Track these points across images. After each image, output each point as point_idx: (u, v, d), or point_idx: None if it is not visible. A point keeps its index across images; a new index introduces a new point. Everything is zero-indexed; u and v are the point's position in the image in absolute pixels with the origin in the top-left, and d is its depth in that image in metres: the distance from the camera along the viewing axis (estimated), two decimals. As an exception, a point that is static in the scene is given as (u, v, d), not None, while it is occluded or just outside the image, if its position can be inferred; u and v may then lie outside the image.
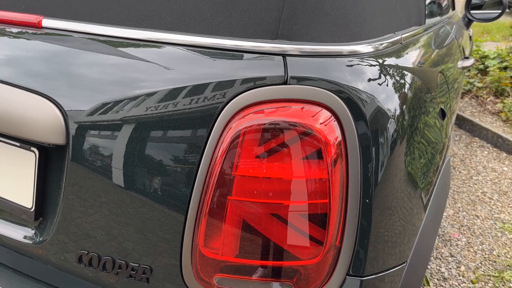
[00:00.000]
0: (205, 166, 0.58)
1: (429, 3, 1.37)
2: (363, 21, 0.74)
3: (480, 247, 2.02)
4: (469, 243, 2.05)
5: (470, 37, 2.64)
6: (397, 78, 0.75)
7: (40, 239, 0.71)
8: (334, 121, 0.58)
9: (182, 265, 0.62)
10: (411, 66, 0.83)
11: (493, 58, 3.96)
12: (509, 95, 3.52)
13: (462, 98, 3.89)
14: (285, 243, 0.59)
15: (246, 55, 0.60)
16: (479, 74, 3.91)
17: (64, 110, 0.64)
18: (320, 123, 0.57)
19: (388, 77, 0.72)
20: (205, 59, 0.61)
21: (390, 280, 0.68)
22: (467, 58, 1.65)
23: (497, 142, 3.15)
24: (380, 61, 0.71)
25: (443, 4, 1.88)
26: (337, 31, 0.68)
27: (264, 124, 0.57)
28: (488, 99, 3.64)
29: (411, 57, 0.85)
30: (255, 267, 0.60)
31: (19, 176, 0.71)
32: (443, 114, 0.97)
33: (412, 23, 1.03)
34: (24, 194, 0.71)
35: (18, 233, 0.73)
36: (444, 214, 2.27)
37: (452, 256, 1.94)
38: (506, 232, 2.14)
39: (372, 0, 0.77)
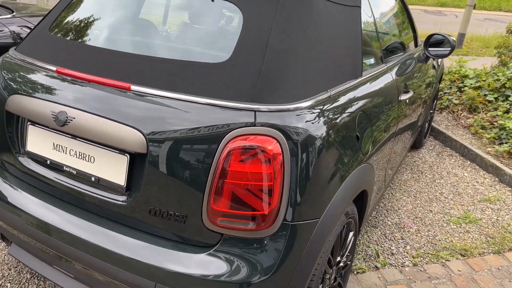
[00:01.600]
0: (214, 164, 1.21)
1: (369, 56, 1.98)
2: (304, 88, 1.36)
3: (427, 233, 2.61)
4: (418, 230, 2.64)
5: (434, 66, 3.22)
6: (322, 119, 1.37)
7: (128, 202, 1.35)
8: (277, 144, 1.21)
9: (202, 213, 1.25)
10: (335, 111, 1.45)
11: (472, 78, 4.52)
12: (480, 112, 4.08)
13: (440, 112, 4.46)
14: (252, 203, 1.22)
15: (238, 111, 1.23)
16: (458, 92, 4.47)
17: (145, 135, 1.27)
18: (270, 146, 1.20)
19: (316, 120, 1.34)
20: (218, 110, 1.23)
21: (308, 227, 1.30)
22: (407, 92, 2.25)
23: (463, 152, 3.73)
24: (313, 110, 1.34)
25: (396, 48, 2.49)
26: (287, 96, 1.30)
27: (244, 145, 1.20)
28: (462, 115, 4.21)
29: (336, 105, 1.48)
30: (238, 214, 1.23)
31: (118, 168, 1.36)
32: (358, 138, 1.58)
33: (347, 79, 1.65)
34: (120, 178, 1.36)
35: (115, 199, 1.38)
36: (404, 208, 2.86)
37: (402, 239, 2.54)
38: (451, 223, 2.73)
39: (310, 74, 1.40)
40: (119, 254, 1.33)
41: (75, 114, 1.37)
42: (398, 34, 2.65)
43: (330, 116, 1.43)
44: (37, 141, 1.53)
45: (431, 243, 2.51)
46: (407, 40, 2.81)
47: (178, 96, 1.29)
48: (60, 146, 1.47)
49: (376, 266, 2.27)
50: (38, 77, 1.53)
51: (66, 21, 1.72)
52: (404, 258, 2.36)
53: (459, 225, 2.71)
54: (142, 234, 1.36)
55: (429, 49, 2.81)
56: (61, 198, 1.51)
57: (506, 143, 3.54)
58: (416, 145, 3.74)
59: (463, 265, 2.33)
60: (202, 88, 1.29)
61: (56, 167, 1.50)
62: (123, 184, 1.36)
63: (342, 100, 1.54)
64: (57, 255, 1.49)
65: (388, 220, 2.71)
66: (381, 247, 2.45)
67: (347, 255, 1.81)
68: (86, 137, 1.37)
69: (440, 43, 2.85)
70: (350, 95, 1.60)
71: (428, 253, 2.42)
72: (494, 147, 3.60)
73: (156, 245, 1.33)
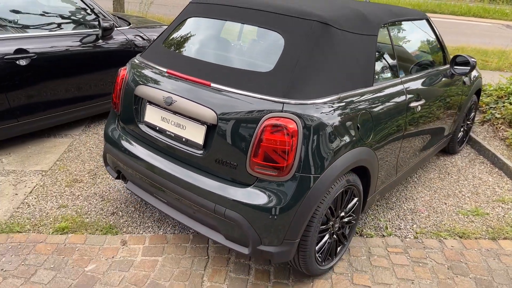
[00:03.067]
0: (255, 134, 2.00)
1: (384, 71, 2.65)
2: (320, 91, 2.11)
3: (435, 219, 3.17)
4: (428, 216, 3.21)
5: (465, 82, 3.71)
6: (330, 112, 2.11)
7: (203, 154, 2.20)
8: (295, 124, 1.97)
9: (246, 163, 2.05)
10: (341, 107, 2.17)
11: (518, 95, 4.83)
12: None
13: (482, 125, 4.84)
14: (276, 159, 1.99)
15: (274, 102, 2.01)
16: (502, 107, 4.81)
17: (217, 114, 2.10)
18: (290, 125, 1.97)
19: (325, 112, 2.09)
20: (262, 101, 2.02)
21: (311, 179, 2.04)
22: (418, 100, 2.86)
23: (493, 160, 4.14)
24: (323, 105, 2.08)
25: (416, 65, 3.10)
26: (306, 96, 2.06)
27: (274, 123, 1.98)
28: (501, 128, 4.58)
29: (343, 104, 2.19)
30: (267, 165, 2.01)
31: (199, 133, 2.20)
32: (358, 128, 2.27)
33: (357, 87, 2.35)
34: (200, 139, 2.20)
35: (196, 152, 2.23)
36: (422, 198, 3.43)
37: (412, 220, 3.13)
38: (460, 214, 3.25)
39: (325, 82, 2.14)
40: (195, 186, 2.18)
41: (176, 98, 2.24)
42: (420, 55, 3.24)
43: (336, 111, 2.15)
44: (151, 115, 2.44)
45: (436, 226, 3.08)
46: (432, 60, 3.39)
47: (239, 91, 2.11)
48: (166, 118, 2.36)
49: (383, 235, 2.91)
50: (155, 75, 2.44)
51: (172, 38, 2.63)
52: (408, 233, 2.97)
53: (466, 216, 3.22)
54: (210, 175, 2.20)
55: (455, 67, 3.36)
56: (163, 151, 2.41)
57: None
58: (449, 151, 4.22)
59: (458, 243, 2.88)
60: (254, 87, 2.10)
61: (161, 131, 2.39)
62: (201, 143, 2.20)
63: (349, 100, 2.25)
64: (158, 187, 2.38)
65: (404, 205, 3.31)
66: (392, 223, 3.07)
67: (351, 214, 2.50)
68: (182, 113, 2.24)
69: (465, 63, 3.37)
70: (356, 98, 2.30)
71: (430, 232, 2.99)
72: (521, 158, 3.97)
73: (218, 182, 2.16)
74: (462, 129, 4.23)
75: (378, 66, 2.65)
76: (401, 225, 3.06)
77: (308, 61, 2.13)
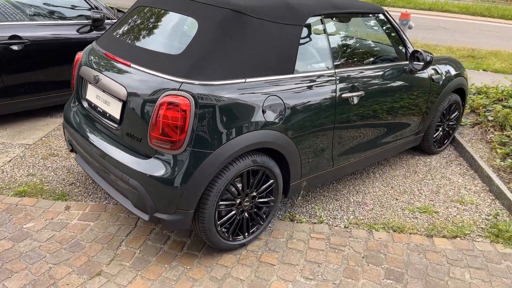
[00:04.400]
0: (154, 111, 2.19)
1: (311, 61, 2.72)
2: (222, 75, 2.26)
3: (377, 213, 3.16)
4: (372, 209, 3.21)
5: (434, 79, 3.64)
6: (229, 94, 2.25)
7: (118, 128, 2.42)
8: (188, 102, 2.13)
9: (147, 137, 2.25)
10: (245, 90, 2.30)
11: (516, 98, 4.60)
12: (505, 130, 4.23)
13: (472, 127, 4.66)
14: (171, 134, 2.17)
15: (174, 82, 2.19)
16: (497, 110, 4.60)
17: (127, 89, 2.32)
18: (183, 103, 2.13)
19: (223, 93, 2.23)
20: (164, 80, 2.21)
21: (203, 154, 2.18)
22: (354, 91, 2.87)
23: (471, 162, 3.99)
24: (222, 87, 2.22)
25: (360, 58, 3.11)
26: (207, 78, 2.22)
27: (170, 100, 2.15)
28: (490, 131, 4.39)
29: (248, 87, 2.32)
30: (163, 139, 2.19)
31: (117, 109, 2.43)
32: (264, 112, 2.38)
33: (272, 74, 2.46)
34: (117, 114, 2.43)
35: (114, 126, 2.46)
36: (374, 193, 3.42)
37: (353, 212, 3.15)
38: (406, 210, 3.22)
39: (230, 67, 2.28)
40: (111, 157, 2.41)
41: (102, 77, 2.49)
42: (370, 49, 3.25)
43: (238, 93, 2.28)
44: (90, 93, 2.71)
45: (374, 219, 3.08)
46: (387, 54, 3.38)
47: (149, 71, 2.31)
48: (98, 96, 2.62)
49: (314, 222, 2.97)
50: (96, 57, 2.70)
51: (120, 25, 2.89)
52: (342, 223, 3.00)
53: (412, 212, 3.18)
54: (123, 147, 2.42)
55: (414, 63, 3.32)
56: (95, 126, 2.67)
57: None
58: (426, 151, 4.13)
59: (387, 235, 2.88)
60: (163, 68, 2.29)
61: (95, 107, 2.65)
62: (118, 118, 2.43)
63: (256, 85, 2.37)
64: (91, 158, 2.64)
65: (352, 198, 3.33)
66: (330, 212, 3.11)
67: (267, 195, 2.61)
68: (105, 90, 2.48)
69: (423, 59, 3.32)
70: (266, 84, 2.41)
71: (365, 223, 3.00)
72: (496, 161, 3.81)
73: (128, 153, 2.37)
74: (441, 129, 4.12)
75: (306, 55, 2.73)
76: (338, 215, 3.09)
77: (215, 46, 2.28)
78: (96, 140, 2.58)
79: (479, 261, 2.67)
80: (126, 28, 2.85)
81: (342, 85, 2.82)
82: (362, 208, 3.21)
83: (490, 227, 3.03)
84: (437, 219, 3.13)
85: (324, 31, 2.82)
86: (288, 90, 2.52)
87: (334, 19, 2.97)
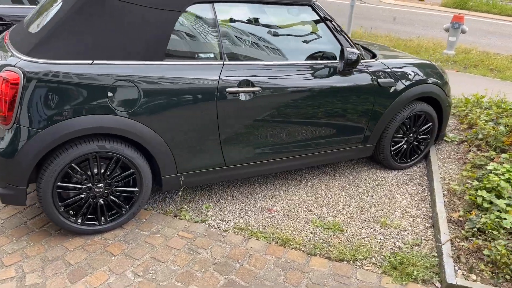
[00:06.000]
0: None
1: (192, 50, 2.57)
2: (65, 55, 2.25)
3: (278, 221, 2.88)
4: (274, 217, 2.94)
5: (379, 82, 3.20)
6: (68, 74, 2.23)
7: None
8: (19, 79, 2.16)
9: None
10: (89, 72, 2.26)
11: (519, 115, 3.88)
12: (489, 150, 3.58)
13: (459, 144, 4.02)
14: (2, 108, 2.22)
15: (15, 59, 2.24)
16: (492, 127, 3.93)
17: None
18: (12, 79, 2.17)
19: (61, 73, 2.22)
20: (15, 57, 2.27)
21: (30, 131, 2.19)
22: (249, 86, 2.63)
23: (431, 184, 3.46)
24: (58, 67, 2.22)
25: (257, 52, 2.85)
26: (48, 55, 2.23)
27: (3, 76, 2.19)
28: (472, 150, 3.75)
29: (95, 69, 2.27)
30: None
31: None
32: (108, 96, 2.30)
33: (136, 59, 2.38)
34: None
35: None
36: (290, 201, 3.13)
37: (249, 217, 2.92)
38: (310, 223, 2.88)
39: (77, 49, 2.26)
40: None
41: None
42: (285, 43, 2.97)
43: (79, 75, 2.25)
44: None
45: (266, 227, 2.82)
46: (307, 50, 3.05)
47: (13, 51, 2.36)
48: None
49: (196, 221, 2.82)
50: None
51: (27, 18, 3.01)
52: (225, 226, 2.80)
53: (314, 227, 2.85)
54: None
55: (342, 62, 2.97)
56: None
57: (479, 184, 3.12)
58: (384, 164, 3.67)
59: (262, 246, 2.61)
60: (21, 47, 2.35)
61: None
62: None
63: (105, 68, 2.32)
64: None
65: (261, 203, 3.09)
66: (224, 214, 2.92)
67: (126, 183, 2.55)
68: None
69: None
70: (117, 67, 2.34)
71: (251, 230, 2.76)
72: (451, 185, 3.25)
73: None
74: (404, 142, 3.63)
75: (186, 44, 2.60)
76: (230, 218, 2.90)
77: (64, 25, 2.28)
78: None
79: (346, 291, 2.31)
80: (30, 15, 2.97)
81: (229, 78, 2.62)
82: (263, 214, 2.97)
83: (394, 257, 2.59)
84: (338, 238, 2.76)
85: (214, 19, 2.65)
86: (149, 78, 2.42)
87: (225, 7, 2.75)
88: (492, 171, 3.16)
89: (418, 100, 3.53)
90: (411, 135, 3.63)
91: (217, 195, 3.16)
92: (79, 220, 2.52)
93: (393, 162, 3.64)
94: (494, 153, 3.55)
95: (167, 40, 2.47)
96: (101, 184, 2.49)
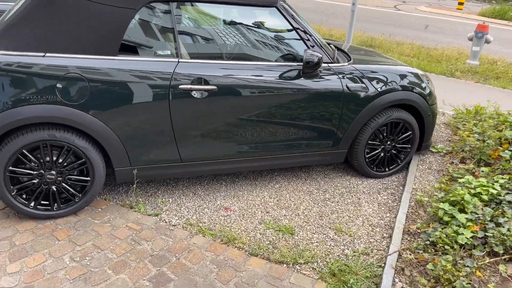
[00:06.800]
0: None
1: (147, 48, 2.64)
2: (18, 47, 2.40)
3: (228, 220, 2.90)
4: (229, 215, 2.95)
5: (349, 87, 3.14)
6: (12, 65, 2.37)
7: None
8: None
9: None
10: (35, 65, 2.39)
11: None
12: (472, 163, 3.42)
13: (444, 156, 3.85)
14: None
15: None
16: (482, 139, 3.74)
17: None
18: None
19: (6, 64, 2.37)
20: None
21: None
22: (202, 84, 2.67)
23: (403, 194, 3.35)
24: (6, 57, 2.36)
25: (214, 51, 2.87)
26: (2, 45, 2.38)
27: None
28: (455, 162, 3.59)
29: (47, 61, 2.40)
30: None
31: None
32: (58, 89, 2.42)
33: (90, 53, 2.49)
34: None
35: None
36: (249, 202, 3.13)
37: (203, 214, 2.95)
38: (261, 225, 2.87)
39: (30, 37, 2.40)
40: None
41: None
42: (246, 43, 2.97)
43: (31, 66, 2.39)
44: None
45: (216, 224, 2.84)
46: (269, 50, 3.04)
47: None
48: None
49: (149, 214, 2.89)
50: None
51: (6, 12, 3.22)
52: (176, 221, 2.85)
53: (265, 229, 2.84)
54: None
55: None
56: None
57: (444, 196, 2.99)
58: (360, 172, 3.59)
59: (205, 243, 2.63)
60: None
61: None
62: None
63: (56, 61, 2.44)
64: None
65: (220, 201, 3.11)
66: (180, 209, 2.97)
67: (80, 172, 2.66)
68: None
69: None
70: (67, 60, 2.45)
71: (200, 227, 2.79)
72: (422, 197, 3.12)
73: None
74: (381, 150, 3.53)
75: (141, 40, 2.68)
76: (184, 213, 2.94)
77: (24, 20, 2.43)
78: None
79: (274, 293, 2.29)
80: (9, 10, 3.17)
81: (183, 75, 2.68)
82: (218, 212, 2.99)
83: (337, 264, 2.54)
84: (286, 241, 2.74)
85: (171, 17, 2.71)
86: (100, 72, 2.51)
87: (197, 7, 2.81)
88: (463, 185, 3.01)
89: (396, 107, 3.43)
90: (388, 143, 3.52)
91: (180, 191, 3.21)
92: (32, 204, 2.65)
93: (368, 170, 3.55)
94: (475, 166, 3.38)
95: (121, 36, 2.56)
96: (53, 172, 2.62)
